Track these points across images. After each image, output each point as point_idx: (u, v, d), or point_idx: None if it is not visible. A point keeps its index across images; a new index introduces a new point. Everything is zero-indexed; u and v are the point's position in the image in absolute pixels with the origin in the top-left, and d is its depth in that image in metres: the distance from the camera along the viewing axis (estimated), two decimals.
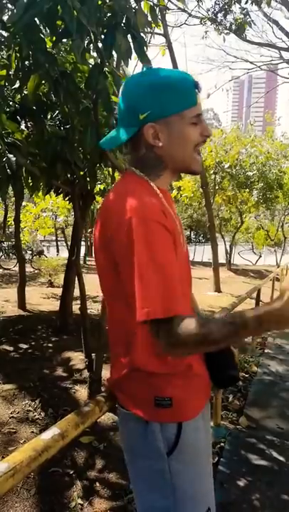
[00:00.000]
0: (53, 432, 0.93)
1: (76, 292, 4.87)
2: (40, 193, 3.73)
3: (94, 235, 1.05)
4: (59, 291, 5.99)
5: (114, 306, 1.05)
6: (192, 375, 1.04)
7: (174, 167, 1.04)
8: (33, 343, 4.48)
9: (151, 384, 1.01)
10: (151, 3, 2.71)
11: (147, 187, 1.00)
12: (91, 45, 2.55)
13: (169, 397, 0.99)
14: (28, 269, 9.29)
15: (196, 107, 0.98)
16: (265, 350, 4.87)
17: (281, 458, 2.53)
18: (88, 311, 3.62)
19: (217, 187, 12.52)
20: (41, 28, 2.50)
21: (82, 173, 3.37)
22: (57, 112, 3.19)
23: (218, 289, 9.41)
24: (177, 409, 1.00)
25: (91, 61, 3.01)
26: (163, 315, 0.86)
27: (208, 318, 1.26)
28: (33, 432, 2.65)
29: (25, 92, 2.87)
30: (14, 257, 12.50)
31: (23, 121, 3.13)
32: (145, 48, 2.48)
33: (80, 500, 2.08)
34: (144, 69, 1.07)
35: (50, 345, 4.45)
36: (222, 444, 2.64)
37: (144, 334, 0.98)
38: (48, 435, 0.92)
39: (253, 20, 8.12)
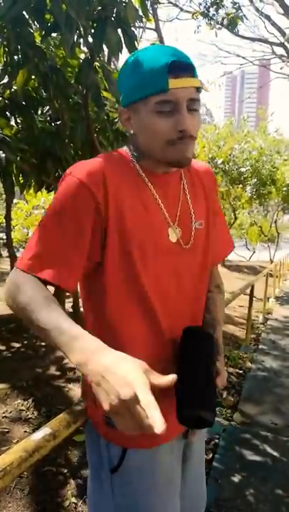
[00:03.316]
0: (44, 432, 0.92)
1: None
2: (31, 190, 3.69)
3: None
4: (51, 289, 5.94)
5: None
6: None
7: (153, 157, 0.90)
8: (25, 342, 4.45)
9: None
10: None
11: (125, 162, 0.91)
12: (81, 39, 2.52)
13: None
14: None
15: (165, 94, 0.80)
16: (260, 346, 4.88)
17: (275, 453, 2.53)
18: (81, 308, 3.60)
19: None
20: (30, 21, 2.46)
21: None
22: (47, 107, 3.16)
23: None
24: (123, 433, 0.92)
25: (81, 56, 2.98)
26: (25, 267, 0.80)
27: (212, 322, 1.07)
28: (26, 431, 2.63)
29: (15, 87, 2.83)
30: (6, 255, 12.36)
31: (13, 117, 3.09)
32: (136, 42, 2.45)
33: (73, 499, 2.07)
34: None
35: (42, 343, 4.42)
36: (216, 440, 2.64)
37: (92, 324, 0.93)
38: (38, 435, 0.91)
39: (245, 15, 8.08)
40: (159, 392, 0.89)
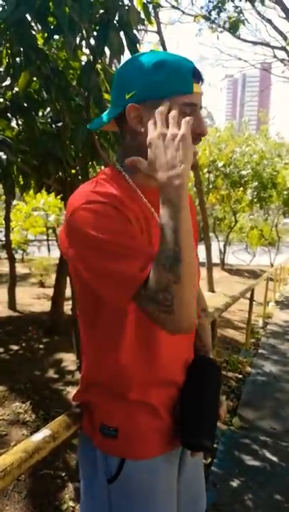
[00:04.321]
0: (44, 433, 0.93)
1: (68, 292, 4.83)
2: (31, 192, 3.69)
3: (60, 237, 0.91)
4: (50, 291, 5.95)
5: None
6: (136, 408, 0.90)
7: None
8: (23, 344, 4.44)
9: (100, 407, 0.93)
10: (145, 0, 2.67)
11: (119, 181, 0.88)
12: (83, 42, 2.52)
13: (115, 427, 0.89)
14: (19, 269, 9.21)
15: (190, 96, 0.83)
16: (259, 351, 4.87)
17: (274, 458, 2.52)
18: None
19: (211, 186, 12.53)
20: (32, 24, 2.46)
21: (74, 171, 3.33)
22: (48, 109, 3.15)
23: (211, 289, 9.40)
24: (121, 443, 0.89)
25: (83, 58, 2.98)
26: (139, 280, 0.75)
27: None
28: (24, 434, 2.62)
29: (16, 89, 2.83)
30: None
31: (14, 119, 3.09)
32: (138, 45, 2.46)
33: (71, 503, 2.06)
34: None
35: (41, 346, 4.41)
36: (215, 444, 2.63)
37: (89, 338, 0.94)
38: (38, 436, 0.91)
39: (246, 19, 8.10)
40: (166, 410, 0.93)
